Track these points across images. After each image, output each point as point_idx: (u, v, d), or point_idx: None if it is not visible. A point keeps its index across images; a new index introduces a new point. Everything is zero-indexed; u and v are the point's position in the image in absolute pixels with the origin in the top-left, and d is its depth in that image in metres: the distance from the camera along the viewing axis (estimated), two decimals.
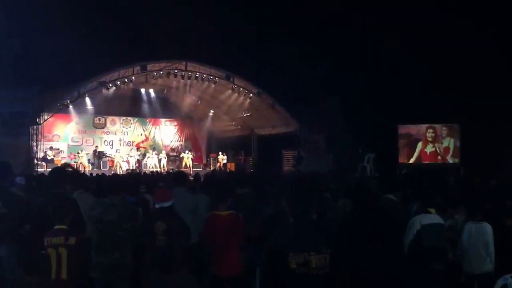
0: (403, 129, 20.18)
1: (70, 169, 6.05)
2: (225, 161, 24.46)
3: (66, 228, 3.62)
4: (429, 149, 19.82)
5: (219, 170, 21.47)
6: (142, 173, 15.70)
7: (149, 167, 22.42)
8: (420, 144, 19.89)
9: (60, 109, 19.99)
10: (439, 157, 19.70)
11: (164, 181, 7.83)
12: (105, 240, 4.62)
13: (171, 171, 18.22)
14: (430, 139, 19.70)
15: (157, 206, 4.47)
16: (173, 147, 26.47)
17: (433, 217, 4.37)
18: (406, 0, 19.72)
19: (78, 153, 21.77)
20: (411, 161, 20.02)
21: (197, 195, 6.20)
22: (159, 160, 23.52)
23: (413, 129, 20.11)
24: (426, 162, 19.68)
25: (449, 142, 19.55)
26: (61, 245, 3.53)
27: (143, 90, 23.84)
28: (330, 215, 5.29)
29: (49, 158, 20.55)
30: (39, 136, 19.15)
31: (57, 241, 3.54)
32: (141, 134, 25.92)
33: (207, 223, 4.63)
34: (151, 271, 4.36)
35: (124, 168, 21.54)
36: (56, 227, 3.64)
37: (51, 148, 21.45)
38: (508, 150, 15.20)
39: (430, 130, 19.72)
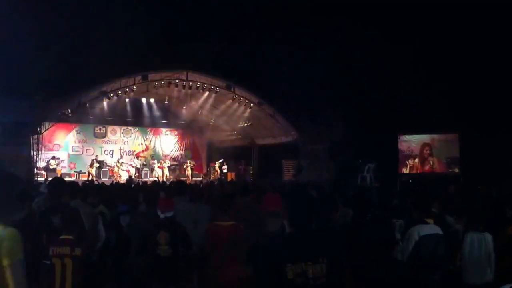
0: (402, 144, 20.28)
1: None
2: (225, 170, 24.51)
3: (72, 238, 3.58)
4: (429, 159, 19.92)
5: (217, 178, 21.47)
6: (141, 183, 15.68)
7: (159, 176, 22.60)
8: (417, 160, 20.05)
9: (61, 119, 20.04)
10: (438, 168, 19.75)
11: (165, 191, 7.82)
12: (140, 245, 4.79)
13: (171, 180, 18.24)
14: (430, 152, 19.80)
15: (161, 216, 4.49)
16: (173, 157, 26.50)
17: (431, 228, 4.32)
18: (407, 11, 19.85)
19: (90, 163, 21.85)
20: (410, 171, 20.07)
21: (198, 205, 6.20)
22: (162, 170, 23.67)
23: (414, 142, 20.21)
24: (426, 172, 19.68)
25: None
26: (67, 255, 3.49)
27: (144, 100, 23.95)
28: (330, 225, 5.30)
29: (51, 167, 20.57)
30: (40, 146, 19.16)
31: (63, 251, 3.50)
32: (142, 144, 25.98)
33: (208, 233, 4.64)
34: (154, 280, 4.36)
35: (124, 177, 21.55)
36: (62, 236, 3.60)
37: (53, 157, 21.46)
38: (508, 159, 15.20)
39: (430, 144, 19.86)
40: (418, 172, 19.80)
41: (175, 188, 6.58)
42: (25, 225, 4.39)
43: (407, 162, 20.07)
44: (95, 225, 4.99)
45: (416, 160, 20.00)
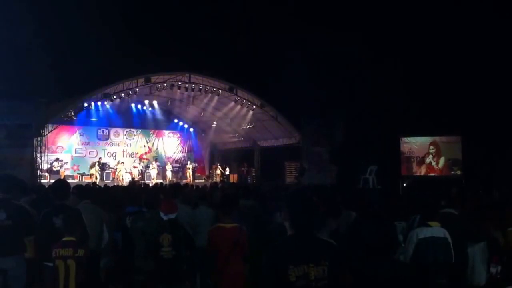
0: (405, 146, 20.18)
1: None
2: (227, 173, 24.51)
3: (75, 240, 3.60)
4: (431, 161, 19.85)
5: (220, 182, 21.46)
6: (143, 185, 15.71)
7: (155, 178, 22.58)
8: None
9: (64, 121, 20.09)
10: (440, 170, 19.68)
11: (163, 193, 7.83)
12: (145, 248, 4.80)
13: (171, 182, 18.24)
14: (432, 154, 19.72)
15: (164, 218, 4.50)
16: (176, 159, 26.53)
17: (432, 230, 4.24)
18: (409, 13, 19.86)
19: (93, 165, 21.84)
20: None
21: (198, 207, 6.20)
22: (164, 171, 23.68)
23: (416, 144, 20.11)
24: (428, 174, 19.63)
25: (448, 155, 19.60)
26: (70, 257, 3.51)
27: (146, 102, 24.00)
28: (332, 227, 5.29)
29: (55, 169, 20.63)
30: (43, 148, 19.19)
31: (66, 252, 3.52)
32: (144, 146, 26.02)
33: (212, 235, 4.64)
34: (157, 282, 4.38)
35: (127, 180, 21.57)
36: (65, 238, 3.62)
37: (57, 159, 21.52)
38: (511, 161, 15.15)
39: (432, 147, 19.77)
40: (422, 174, 19.74)
41: (171, 190, 6.60)
42: None
43: (413, 159, 19.98)
44: (102, 226, 5.04)
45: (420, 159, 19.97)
